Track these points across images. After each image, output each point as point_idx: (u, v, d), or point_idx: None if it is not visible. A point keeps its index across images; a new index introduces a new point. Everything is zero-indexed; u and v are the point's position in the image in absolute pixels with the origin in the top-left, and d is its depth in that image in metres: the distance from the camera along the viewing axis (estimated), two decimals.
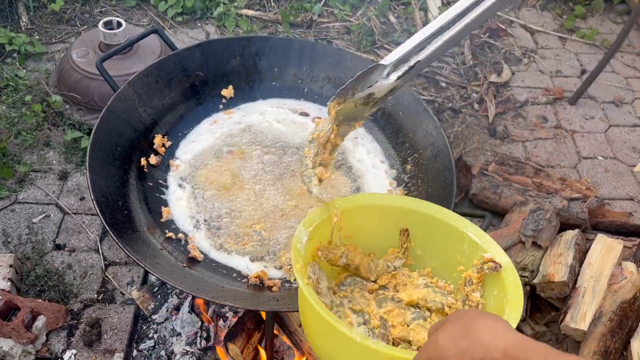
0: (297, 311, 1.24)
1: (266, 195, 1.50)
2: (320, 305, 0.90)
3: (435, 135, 1.55)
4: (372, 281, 1.16)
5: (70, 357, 1.98)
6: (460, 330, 0.73)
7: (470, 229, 1.13)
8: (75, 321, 2.07)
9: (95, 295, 2.14)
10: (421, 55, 1.15)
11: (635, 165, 2.79)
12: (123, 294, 2.13)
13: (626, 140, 2.92)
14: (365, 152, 1.65)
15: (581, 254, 2.15)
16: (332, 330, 0.88)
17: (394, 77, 1.15)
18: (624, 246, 2.18)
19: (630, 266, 2.08)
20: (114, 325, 2.06)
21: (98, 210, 1.26)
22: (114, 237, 1.21)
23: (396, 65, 1.16)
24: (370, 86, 1.12)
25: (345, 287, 1.13)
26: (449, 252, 1.15)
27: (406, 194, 1.53)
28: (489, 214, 1.36)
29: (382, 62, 1.14)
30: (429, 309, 1.09)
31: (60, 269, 2.20)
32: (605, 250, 2.14)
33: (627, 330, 1.90)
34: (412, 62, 1.15)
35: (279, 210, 1.47)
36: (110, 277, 2.19)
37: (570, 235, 2.18)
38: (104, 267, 2.21)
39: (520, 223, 2.23)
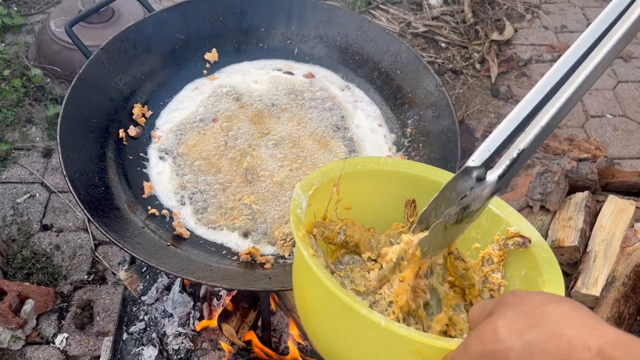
0: (292, 289, 1.15)
1: (257, 165, 1.39)
2: (332, 282, 0.72)
3: (437, 94, 1.43)
4: (373, 260, 1.01)
5: (62, 340, 1.91)
6: (526, 319, 0.57)
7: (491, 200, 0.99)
8: (66, 304, 1.99)
9: (86, 277, 2.06)
10: (525, 141, 0.79)
11: None
12: (114, 274, 2.04)
13: (635, 97, 2.79)
14: (364, 116, 1.54)
15: (592, 217, 2.06)
16: (347, 313, 0.70)
17: (491, 178, 0.80)
18: (636, 207, 2.08)
19: None
20: (106, 307, 1.98)
21: (71, 188, 1.15)
22: (89, 216, 1.11)
23: (489, 162, 0.82)
24: (463, 197, 0.84)
25: (343, 266, 0.98)
26: None
27: (406, 159, 1.43)
28: None
29: (469, 163, 0.82)
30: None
31: (48, 250, 2.11)
32: (617, 212, 2.04)
33: None
34: (513, 152, 0.79)
35: (270, 180, 1.37)
36: (100, 257, 2.10)
37: (580, 197, 2.08)
38: (93, 247, 2.12)
39: (526, 187, 2.13)
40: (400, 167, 1.02)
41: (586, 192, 2.10)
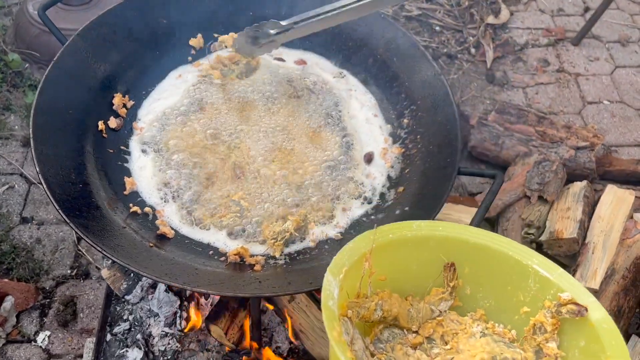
0: (284, 295, 1.09)
1: (245, 159, 1.31)
2: None
3: (435, 83, 1.36)
4: (414, 332, 0.94)
5: (44, 339, 1.84)
6: None
7: (536, 260, 0.91)
8: (48, 300, 1.91)
9: (69, 271, 1.98)
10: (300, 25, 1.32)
11: None
12: (98, 269, 1.97)
13: (633, 82, 2.73)
14: (359, 106, 1.46)
15: (590, 207, 2.01)
16: None
17: (274, 32, 1.35)
18: (635, 197, 2.03)
19: None
20: (90, 303, 1.91)
21: (45, 186, 1.07)
22: (64, 217, 1.03)
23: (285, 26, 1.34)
24: (258, 31, 1.37)
25: (383, 345, 0.91)
26: (507, 290, 0.93)
27: (403, 152, 1.36)
28: (499, 172, 1.19)
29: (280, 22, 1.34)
30: None
31: (28, 244, 2.02)
32: (616, 201, 1.99)
33: None
34: (289, 26, 1.33)
35: (260, 175, 1.29)
36: (83, 250, 2.02)
37: (578, 187, 2.03)
38: (76, 240, 2.04)
39: (524, 176, 2.07)
40: (435, 231, 0.96)
41: (584, 182, 2.05)
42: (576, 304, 0.84)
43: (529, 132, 2.33)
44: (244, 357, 1.38)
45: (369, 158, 1.35)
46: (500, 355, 0.84)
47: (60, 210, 1.04)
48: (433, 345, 0.91)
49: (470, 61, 2.79)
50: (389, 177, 1.34)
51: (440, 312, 0.96)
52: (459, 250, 0.94)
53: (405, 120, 1.40)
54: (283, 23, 1.34)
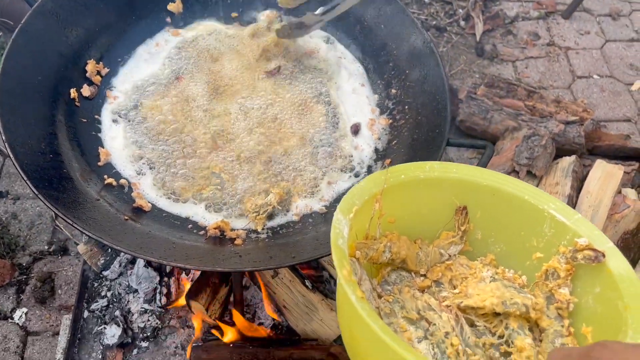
0: (266, 269, 1.05)
1: (226, 129, 1.26)
2: (390, 335, 0.63)
3: (425, 52, 1.31)
4: (422, 275, 0.91)
5: (21, 315, 1.79)
6: None
7: (553, 205, 0.86)
8: (25, 276, 1.86)
9: (46, 247, 1.92)
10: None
11: (632, 84, 2.58)
12: (77, 244, 1.91)
13: (623, 57, 2.70)
14: (347, 76, 1.40)
15: (579, 182, 1.98)
16: None
17: (320, 11, 1.33)
18: (624, 172, 2.01)
19: (631, 193, 1.92)
20: (68, 279, 1.85)
21: (12, 156, 1.01)
22: (32, 188, 0.97)
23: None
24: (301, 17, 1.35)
25: (390, 287, 0.88)
26: (521, 236, 0.89)
27: (391, 123, 1.31)
28: (490, 144, 1.15)
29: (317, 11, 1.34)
30: (504, 314, 0.82)
31: (3, 219, 1.96)
32: (605, 177, 1.97)
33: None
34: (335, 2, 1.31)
35: (242, 146, 1.24)
36: (61, 226, 1.96)
37: (567, 162, 2.00)
38: (53, 215, 1.98)
39: (513, 151, 2.04)
40: (448, 173, 0.91)
41: (573, 157, 2.02)
42: (593, 249, 0.80)
43: (518, 106, 2.30)
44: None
45: (355, 129, 1.30)
46: (510, 300, 0.81)
47: (28, 181, 0.98)
48: (441, 289, 0.88)
49: (460, 34, 2.74)
50: (375, 150, 1.29)
51: (450, 256, 0.92)
52: (472, 194, 0.90)
53: (393, 91, 1.35)
54: (317, 12, 1.34)
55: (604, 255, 0.79)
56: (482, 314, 0.83)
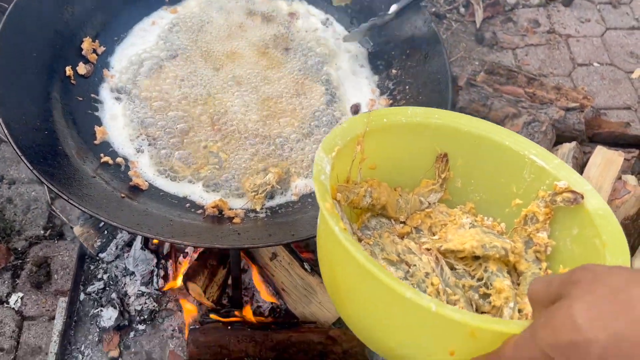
0: (265, 246, 1.03)
1: (224, 108, 1.24)
2: (371, 262, 0.62)
3: (426, 31, 1.29)
4: (402, 222, 0.90)
5: (16, 300, 1.77)
6: (610, 305, 0.47)
7: (534, 150, 0.85)
8: (20, 261, 1.84)
9: (42, 232, 1.90)
10: None
11: (633, 72, 2.57)
12: (73, 228, 1.89)
13: (624, 45, 2.68)
14: (346, 56, 1.38)
15: (579, 169, 1.97)
16: (388, 295, 0.62)
17: (394, 9, 1.30)
18: (624, 159, 2.00)
19: (631, 179, 1.91)
20: (64, 264, 1.84)
21: (6, 132, 0.99)
22: (27, 163, 0.96)
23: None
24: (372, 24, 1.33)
25: (370, 232, 0.87)
26: (500, 183, 0.88)
27: (391, 103, 1.29)
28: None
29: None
30: (483, 258, 0.82)
31: None
32: (605, 163, 1.96)
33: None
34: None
35: (241, 126, 1.22)
36: (57, 211, 1.94)
37: (567, 148, 1.99)
38: (49, 200, 1.96)
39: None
40: (430, 118, 0.89)
41: (574, 143, 2.01)
42: (572, 191, 0.79)
43: (519, 93, 2.28)
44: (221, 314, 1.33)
45: (355, 109, 1.29)
46: (490, 243, 0.81)
47: (22, 157, 0.96)
48: (420, 236, 0.87)
49: (459, 21, 2.72)
50: None
51: (430, 204, 0.92)
52: (454, 141, 0.89)
53: (394, 71, 1.33)
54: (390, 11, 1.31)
55: (582, 197, 0.79)
56: (461, 257, 0.83)
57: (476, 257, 0.82)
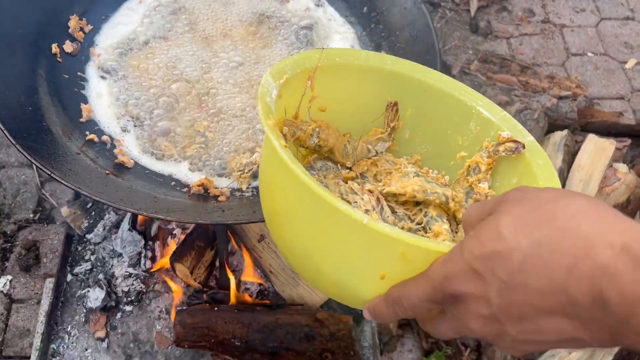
0: (248, 222, 1.03)
1: (211, 88, 1.23)
2: (306, 174, 0.61)
3: (415, 12, 1.28)
4: (347, 168, 0.89)
5: (5, 283, 1.77)
6: (534, 215, 0.48)
7: (481, 102, 0.85)
8: (9, 244, 1.84)
9: (31, 215, 1.90)
10: None
11: (626, 62, 2.57)
12: (61, 210, 1.89)
13: (618, 35, 2.68)
14: (339, 39, 1.37)
15: (570, 156, 1.97)
16: (322, 210, 0.61)
17: None
18: (615, 148, 2.00)
19: (622, 167, 1.91)
20: (53, 248, 1.83)
21: None
22: (10, 138, 0.95)
23: None
24: None
25: (315, 173, 0.86)
26: (447, 134, 0.88)
27: None
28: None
29: None
30: (424, 204, 0.82)
31: None
32: (596, 151, 1.96)
33: None
34: None
35: (228, 105, 1.22)
36: (47, 194, 1.93)
37: (559, 136, 1.99)
38: (39, 184, 1.95)
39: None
40: (383, 64, 0.88)
41: (565, 131, 2.01)
42: (515, 141, 0.80)
43: (512, 81, 2.28)
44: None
45: None
46: (432, 189, 0.81)
47: (5, 131, 0.96)
48: (365, 182, 0.86)
49: (454, 10, 2.71)
50: None
51: (377, 152, 0.91)
52: (405, 89, 0.89)
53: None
54: None
55: (523, 146, 0.79)
56: (402, 203, 0.83)
57: (417, 204, 0.82)
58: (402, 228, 0.79)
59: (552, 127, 2.08)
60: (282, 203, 0.73)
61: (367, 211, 0.77)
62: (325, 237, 0.66)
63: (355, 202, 0.79)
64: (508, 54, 2.54)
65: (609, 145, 1.96)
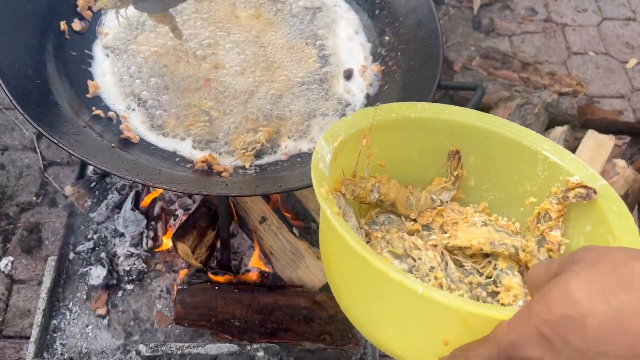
0: (252, 195, 1.04)
1: (217, 68, 1.25)
2: (359, 242, 0.61)
3: None
4: (412, 220, 0.88)
5: (7, 264, 1.78)
6: (609, 279, 0.45)
7: (547, 146, 0.82)
8: (12, 226, 1.85)
9: (34, 198, 1.91)
10: None
11: (627, 62, 2.59)
12: (66, 197, 1.90)
13: (619, 35, 2.70)
14: (343, 23, 1.39)
15: (570, 151, 1.99)
16: (377, 278, 0.61)
17: None
18: (614, 144, 2.02)
19: (621, 162, 1.92)
20: (55, 230, 1.85)
21: None
22: (17, 106, 0.96)
23: None
24: None
25: (378, 227, 0.85)
26: (514, 180, 0.86)
27: (383, 69, 1.30)
28: (480, 85, 1.14)
29: None
30: (493, 256, 0.80)
31: None
32: (596, 146, 1.98)
33: None
34: None
35: (233, 86, 1.23)
36: (50, 178, 1.95)
37: (559, 131, 2.01)
38: (42, 167, 1.96)
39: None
40: (441, 114, 0.87)
41: (565, 126, 2.02)
42: (585, 186, 0.77)
43: (513, 78, 2.30)
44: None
45: (348, 74, 1.30)
46: (499, 241, 0.79)
47: (14, 101, 0.97)
48: (431, 233, 0.85)
49: (457, 7, 2.73)
50: (367, 95, 1.28)
51: (442, 202, 0.89)
52: (465, 137, 0.87)
53: (387, 38, 1.34)
54: None
55: (595, 192, 0.76)
56: (470, 255, 0.81)
57: (486, 255, 0.81)
58: (471, 283, 0.77)
59: (552, 123, 2.10)
60: (337, 268, 0.74)
61: (432, 268, 0.76)
62: (382, 304, 0.66)
63: (420, 258, 0.77)
64: (510, 52, 2.56)
65: (608, 141, 1.98)
